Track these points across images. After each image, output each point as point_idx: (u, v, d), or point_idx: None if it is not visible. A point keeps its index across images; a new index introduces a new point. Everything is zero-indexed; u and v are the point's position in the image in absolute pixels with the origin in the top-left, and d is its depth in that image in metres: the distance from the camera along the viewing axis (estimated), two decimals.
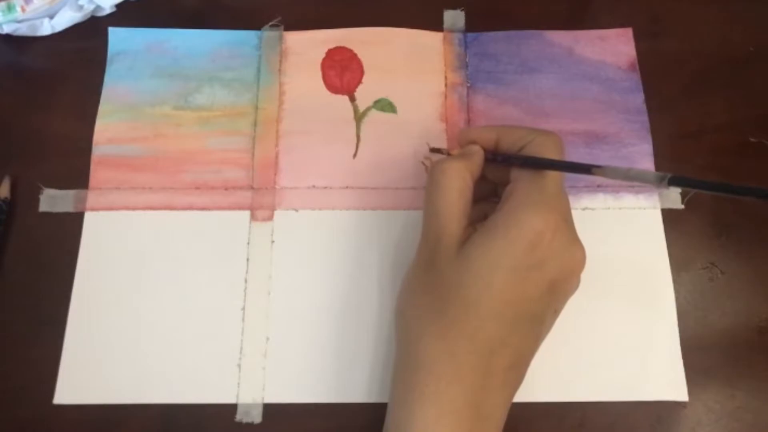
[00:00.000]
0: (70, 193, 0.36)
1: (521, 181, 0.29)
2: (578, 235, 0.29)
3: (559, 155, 0.29)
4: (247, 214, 0.36)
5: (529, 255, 0.26)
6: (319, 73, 0.39)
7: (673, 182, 0.24)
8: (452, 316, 0.27)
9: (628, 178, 0.26)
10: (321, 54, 0.39)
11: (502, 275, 0.26)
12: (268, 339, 0.33)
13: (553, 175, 0.28)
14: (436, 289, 0.28)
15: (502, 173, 0.30)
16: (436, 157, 0.35)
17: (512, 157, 0.30)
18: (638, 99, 0.39)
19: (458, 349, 0.27)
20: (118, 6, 0.40)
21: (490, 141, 0.31)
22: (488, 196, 0.33)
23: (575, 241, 0.28)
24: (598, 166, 0.27)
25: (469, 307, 0.27)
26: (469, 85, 0.39)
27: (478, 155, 0.31)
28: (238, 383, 0.33)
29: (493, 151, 0.31)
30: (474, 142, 0.31)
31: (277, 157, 0.37)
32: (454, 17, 0.40)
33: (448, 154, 0.33)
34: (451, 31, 0.40)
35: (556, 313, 0.30)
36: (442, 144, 0.37)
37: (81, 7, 0.39)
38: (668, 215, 0.36)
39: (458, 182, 0.29)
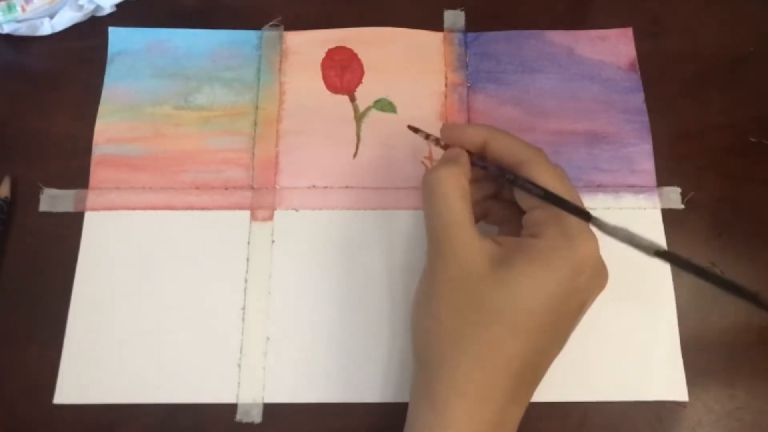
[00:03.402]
0: (71, 193, 0.36)
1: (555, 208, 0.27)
2: None
3: (566, 185, 0.28)
4: (247, 214, 0.36)
5: (572, 281, 0.26)
6: (319, 73, 0.39)
7: (660, 255, 0.25)
8: (488, 338, 0.26)
9: (623, 239, 0.26)
10: (321, 54, 0.39)
11: (545, 301, 0.26)
12: (268, 339, 0.33)
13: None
14: (467, 310, 0.27)
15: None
16: (437, 152, 0.34)
17: (510, 176, 0.28)
18: (638, 99, 0.39)
19: (493, 371, 0.26)
20: (118, 6, 0.40)
21: (478, 143, 0.30)
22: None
23: (603, 262, 0.28)
24: (596, 218, 0.27)
25: (508, 332, 0.26)
26: (469, 85, 0.39)
27: (464, 157, 0.29)
28: (238, 383, 0.33)
29: (481, 156, 0.30)
30: (459, 140, 0.30)
31: (277, 157, 0.37)
32: (454, 17, 0.40)
33: (427, 137, 0.32)
34: (452, 31, 0.40)
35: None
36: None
37: (81, 7, 0.39)
38: (668, 215, 0.36)
39: (458, 189, 0.28)
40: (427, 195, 0.29)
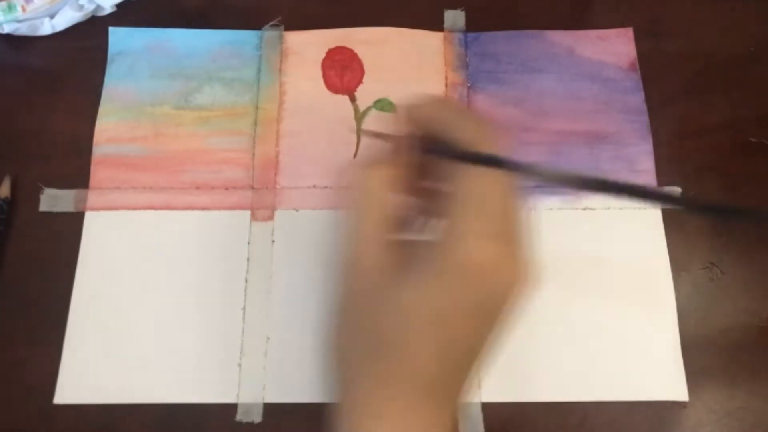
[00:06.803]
0: (71, 193, 0.36)
1: (458, 196, 0.23)
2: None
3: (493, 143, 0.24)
4: (247, 213, 0.36)
5: (469, 293, 0.23)
6: (320, 73, 0.39)
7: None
8: (389, 358, 0.24)
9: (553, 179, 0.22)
10: (321, 54, 0.39)
11: (442, 317, 0.23)
12: (268, 339, 0.33)
13: (492, 182, 0.23)
14: (368, 328, 0.24)
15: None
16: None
17: (451, 151, 0.24)
18: (638, 99, 0.39)
19: (398, 392, 0.24)
20: (118, 6, 0.40)
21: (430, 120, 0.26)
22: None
23: (518, 263, 0.23)
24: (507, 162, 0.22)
25: (406, 350, 0.23)
26: (469, 85, 0.39)
27: (406, 153, 0.26)
28: (239, 383, 0.33)
29: (433, 139, 0.25)
30: (420, 122, 0.26)
31: (277, 156, 0.37)
32: (454, 17, 0.40)
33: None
34: (452, 30, 0.40)
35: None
36: None
37: (81, 7, 0.39)
38: (668, 215, 0.36)
39: (382, 201, 0.25)
40: (349, 199, 0.25)
